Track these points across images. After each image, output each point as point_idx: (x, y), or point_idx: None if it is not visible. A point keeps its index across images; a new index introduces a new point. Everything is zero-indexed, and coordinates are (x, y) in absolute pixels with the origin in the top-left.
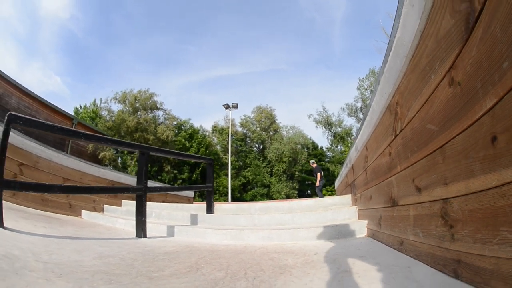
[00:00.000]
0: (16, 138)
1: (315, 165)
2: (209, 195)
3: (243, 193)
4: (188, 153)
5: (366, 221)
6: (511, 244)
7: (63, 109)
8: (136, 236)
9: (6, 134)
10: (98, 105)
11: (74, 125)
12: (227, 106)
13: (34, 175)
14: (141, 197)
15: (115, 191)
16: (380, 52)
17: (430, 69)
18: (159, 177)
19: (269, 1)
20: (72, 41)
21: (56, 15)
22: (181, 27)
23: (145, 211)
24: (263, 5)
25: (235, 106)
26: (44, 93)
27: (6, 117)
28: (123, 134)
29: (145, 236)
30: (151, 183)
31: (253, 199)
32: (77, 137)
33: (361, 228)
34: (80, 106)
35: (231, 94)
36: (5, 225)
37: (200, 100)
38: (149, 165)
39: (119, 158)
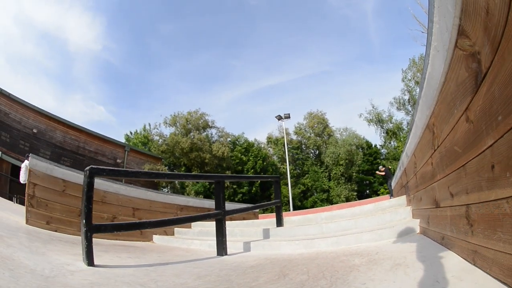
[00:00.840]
0: (80, 177)
1: (383, 168)
2: (278, 210)
3: (303, 200)
4: (258, 175)
5: (419, 220)
6: (503, 241)
7: (113, 137)
8: (218, 254)
9: (90, 186)
10: (149, 130)
11: (126, 152)
12: (279, 118)
13: (103, 209)
14: (220, 220)
15: (199, 219)
16: (416, 40)
17: (453, 105)
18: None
19: (301, 5)
20: (109, 70)
21: (87, 48)
22: (222, 42)
23: (225, 232)
24: (296, 10)
25: (288, 117)
26: (88, 123)
27: (87, 171)
28: (177, 155)
29: (226, 254)
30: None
31: (313, 205)
32: (161, 178)
33: (414, 227)
34: (131, 133)
35: (281, 102)
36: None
37: (251, 113)
38: (203, 181)
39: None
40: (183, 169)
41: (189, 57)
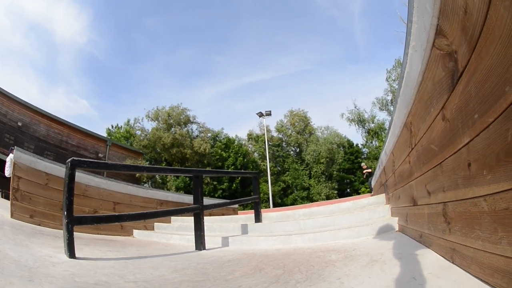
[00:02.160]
0: (62, 171)
1: (365, 166)
2: (256, 206)
3: (283, 197)
4: (237, 170)
5: (397, 218)
6: (482, 240)
7: (95, 131)
8: (196, 249)
9: (71, 178)
10: (132, 125)
11: (108, 146)
12: (260, 114)
13: (84, 202)
14: (198, 214)
15: (177, 213)
16: (402, 42)
17: (430, 104)
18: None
19: (288, 4)
20: (93, 64)
21: (73, 40)
22: (206, 38)
23: (203, 226)
24: (282, 9)
25: (269, 114)
26: (71, 116)
27: (69, 163)
28: (159, 150)
29: (204, 248)
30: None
31: (294, 203)
32: (139, 171)
33: (393, 224)
34: (112, 127)
35: (263, 99)
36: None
37: (233, 109)
38: (183, 176)
39: (156, 175)
40: (164, 164)
41: (173, 51)
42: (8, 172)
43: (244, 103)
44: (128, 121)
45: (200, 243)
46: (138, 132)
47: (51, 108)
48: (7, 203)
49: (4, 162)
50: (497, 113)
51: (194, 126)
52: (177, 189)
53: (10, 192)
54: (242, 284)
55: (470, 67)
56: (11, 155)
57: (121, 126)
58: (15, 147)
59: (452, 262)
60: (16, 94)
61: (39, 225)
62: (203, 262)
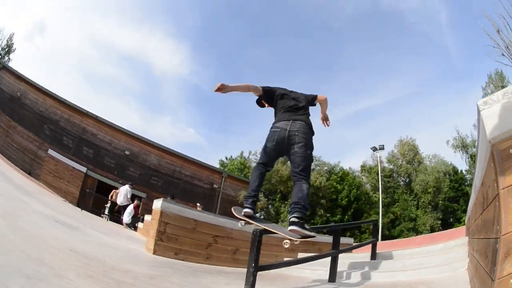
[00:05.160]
0: (209, 217)
1: None
2: (374, 246)
3: (391, 229)
4: (359, 221)
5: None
6: None
7: (204, 160)
8: (329, 281)
9: (259, 242)
10: (246, 157)
11: (223, 177)
12: (374, 149)
13: (229, 243)
14: (335, 258)
15: (328, 255)
16: (490, 56)
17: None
18: (312, 221)
19: (381, 24)
20: (198, 93)
21: (174, 72)
22: (309, 66)
23: (337, 264)
24: (376, 30)
25: (382, 148)
26: (178, 143)
27: (257, 232)
28: (274, 182)
29: (334, 281)
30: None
31: (400, 234)
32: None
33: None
34: (226, 158)
35: (372, 126)
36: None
37: (342, 138)
38: None
39: (270, 205)
40: (278, 196)
41: (278, 81)
42: (120, 200)
43: (352, 132)
44: (242, 153)
45: (332, 278)
46: (254, 164)
47: (156, 135)
48: (120, 228)
49: (104, 184)
50: None
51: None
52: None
53: (156, 234)
54: None
55: None
56: (126, 187)
57: (235, 158)
58: (136, 190)
59: None
60: (117, 122)
61: (183, 260)
62: None
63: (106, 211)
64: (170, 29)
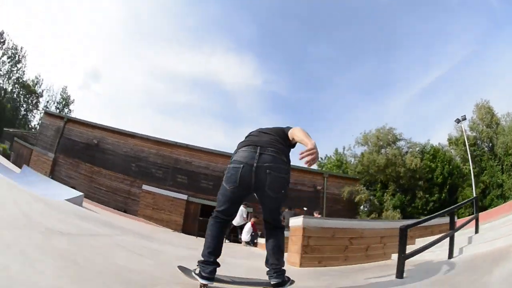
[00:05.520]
0: (344, 223)
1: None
2: (477, 221)
3: (482, 199)
4: (459, 203)
5: None
6: None
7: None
8: (448, 258)
9: (404, 236)
10: (341, 153)
11: (325, 178)
12: (458, 121)
13: (360, 242)
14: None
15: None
16: None
17: None
18: (413, 205)
19: None
20: (276, 100)
21: (246, 84)
22: (373, 49)
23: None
24: None
25: (464, 118)
26: None
27: (404, 227)
28: (372, 172)
29: (452, 257)
30: None
31: (491, 204)
32: None
33: None
34: (322, 158)
35: (447, 95)
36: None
37: (421, 114)
38: (402, 195)
39: (372, 196)
40: (378, 185)
41: (348, 70)
42: (237, 221)
43: (430, 105)
44: (336, 150)
45: (451, 255)
46: (351, 159)
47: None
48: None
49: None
50: None
51: (402, 143)
52: (394, 208)
53: (301, 248)
54: None
55: None
56: (241, 207)
57: (331, 156)
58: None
59: None
60: (201, 144)
61: (325, 266)
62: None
63: None
64: (229, 44)
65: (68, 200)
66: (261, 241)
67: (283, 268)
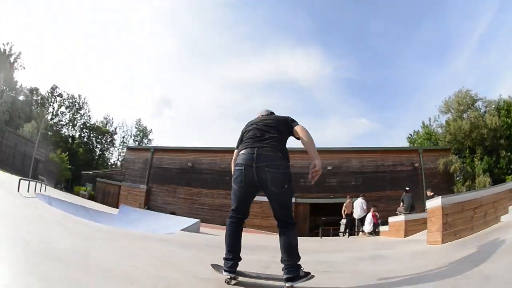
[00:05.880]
0: (468, 195)
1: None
2: None
3: None
4: None
5: None
6: None
7: (395, 141)
8: None
9: None
10: (428, 124)
11: (420, 154)
12: None
13: (480, 210)
14: None
15: None
16: None
17: None
18: (498, 165)
19: None
20: (351, 84)
21: (320, 75)
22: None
23: None
24: None
25: None
26: (356, 138)
27: None
28: (459, 139)
29: None
30: None
31: None
32: None
33: None
34: (410, 135)
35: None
36: None
37: (485, 67)
38: (486, 157)
39: (464, 163)
40: (467, 151)
41: (410, 37)
42: (358, 213)
43: (490, 56)
44: (423, 122)
45: None
46: (438, 129)
47: (333, 138)
48: (380, 239)
49: (323, 205)
50: None
51: (479, 103)
52: (483, 172)
53: (441, 227)
54: None
55: None
56: (360, 199)
57: (418, 131)
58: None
59: None
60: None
61: (458, 238)
62: None
63: (342, 228)
64: (290, 41)
65: (184, 230)
66: (383, 228)
67: (297, 263)
